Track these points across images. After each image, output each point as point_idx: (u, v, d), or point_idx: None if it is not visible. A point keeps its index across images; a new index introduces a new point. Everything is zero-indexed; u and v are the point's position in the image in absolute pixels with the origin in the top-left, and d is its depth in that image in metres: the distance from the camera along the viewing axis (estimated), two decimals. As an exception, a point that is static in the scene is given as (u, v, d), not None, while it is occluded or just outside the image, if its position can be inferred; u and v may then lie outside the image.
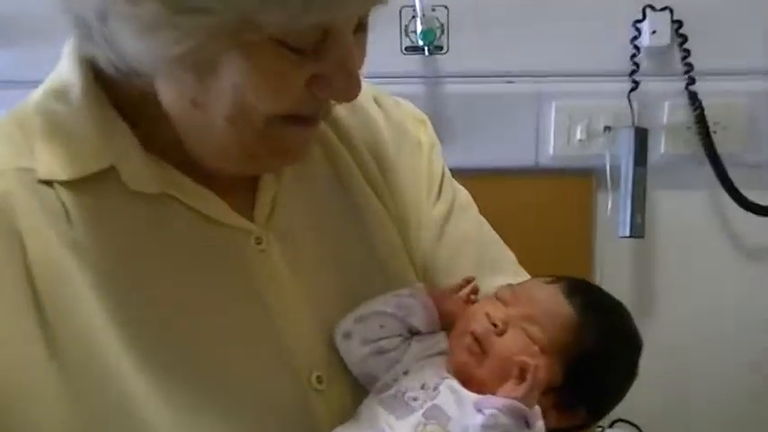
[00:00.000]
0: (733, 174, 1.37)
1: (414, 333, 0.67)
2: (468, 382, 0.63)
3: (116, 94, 0.61)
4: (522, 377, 0.60)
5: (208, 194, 0.64)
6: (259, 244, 0.65)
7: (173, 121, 0.60)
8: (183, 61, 0.53)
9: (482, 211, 0.81)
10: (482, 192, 0.82)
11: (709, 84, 1.35)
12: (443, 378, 0.63)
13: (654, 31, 1.33)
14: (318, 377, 0.64)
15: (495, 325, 0.65)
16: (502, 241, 0.81)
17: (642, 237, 1.39)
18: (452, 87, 1.38)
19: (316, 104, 0.59)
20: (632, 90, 1.35)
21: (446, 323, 0.68)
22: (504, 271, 0.77)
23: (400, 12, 1.34)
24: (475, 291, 0.70)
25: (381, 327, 0.66)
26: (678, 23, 1.34)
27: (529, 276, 0.77)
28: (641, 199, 1.37)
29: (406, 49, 1.36)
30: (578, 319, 0.66)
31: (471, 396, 0.61)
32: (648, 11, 1.33)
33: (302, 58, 0.54)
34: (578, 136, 1.38)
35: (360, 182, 0.72)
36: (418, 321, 0.67)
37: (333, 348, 0.65)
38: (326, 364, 0.65)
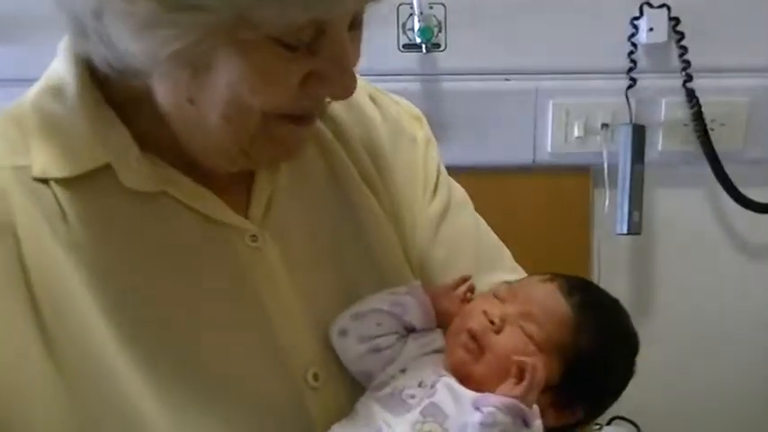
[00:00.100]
0: (730, 171, 1.37)
1: (410, 331, 0.67)
2: (466, 379, 0.63)
3: (111, 92, 0.61)
4: (520, 376, 0.60)
5: (204, 192, 0.64)
6: (255, 242, 0.65)
7: (168, 119, 0.60)
8: (179, 59, 0.53)
9: (479, 209, 0.81)
10: (479, 189, 0.81)
11: (706, 81, 1.36)
12: (441, 376, 0.63)
13: (651, 29, 1.33)
14: (314, 375, 0.64)
15: (492, 322, 0.65)
16: (498, 239, 0.80)
17: (640, 234, 1.39)
18: (450, 85, 1.38)
19: (311, 103, 0.59)
20: (630, 87, 1.35)
21: (442, 321, 0.68)
22: (501, 268, 0.77)
23: (398, 9, 1.34)
24: (471, 289, 0.70)
25: (378, 324, 0.65)
26: (675, 20, 1.34)
27: (526, 274, 0.77)
28: (639, 196, 1.37)
29: (404, 46, 1.36)
30: (576, 317, 0.66)
31: (469, 394, 0.61)
32: (646, 8, 1.33)
33: (297, 55, 0.54)
34: (576, 133, 1.38)
35: (355, 179, 0.72)
36: (415, 319, 0.67)
37: (329, 346, 0.65)
38: (322, 361, 0.64)
